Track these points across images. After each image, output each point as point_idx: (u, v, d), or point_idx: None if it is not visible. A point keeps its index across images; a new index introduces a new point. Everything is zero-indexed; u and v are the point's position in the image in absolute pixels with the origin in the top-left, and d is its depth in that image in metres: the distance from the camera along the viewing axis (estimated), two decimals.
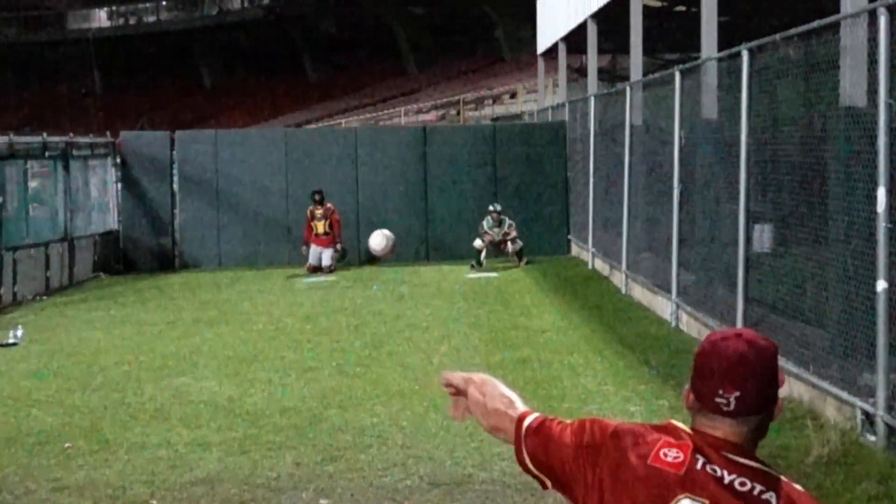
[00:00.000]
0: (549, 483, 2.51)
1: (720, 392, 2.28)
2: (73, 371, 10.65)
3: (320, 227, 18.95)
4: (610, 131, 16.82)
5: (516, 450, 2.54)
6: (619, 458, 2.36)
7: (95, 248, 19.61)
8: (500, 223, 18.73)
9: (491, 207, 18.82)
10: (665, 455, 2.32)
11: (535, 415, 2.57)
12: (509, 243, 18.77)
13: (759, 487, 2.26)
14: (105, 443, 7.87)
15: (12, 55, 69.42)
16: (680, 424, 2.38)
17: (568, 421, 2.53)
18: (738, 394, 2.27)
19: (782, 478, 2.30)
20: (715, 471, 2.27)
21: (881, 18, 6.86)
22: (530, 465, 2.51)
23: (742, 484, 2.26)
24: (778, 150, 9.33)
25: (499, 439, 2.64)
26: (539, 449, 2.50)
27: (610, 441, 2.40)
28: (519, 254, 18.88)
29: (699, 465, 2.28)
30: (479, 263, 18.58)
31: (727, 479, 2.26)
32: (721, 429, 2.31)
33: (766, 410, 2.32)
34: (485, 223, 18.75)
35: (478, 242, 18.68)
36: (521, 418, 2.56)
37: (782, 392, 2.38)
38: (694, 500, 2.26)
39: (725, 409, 2.29)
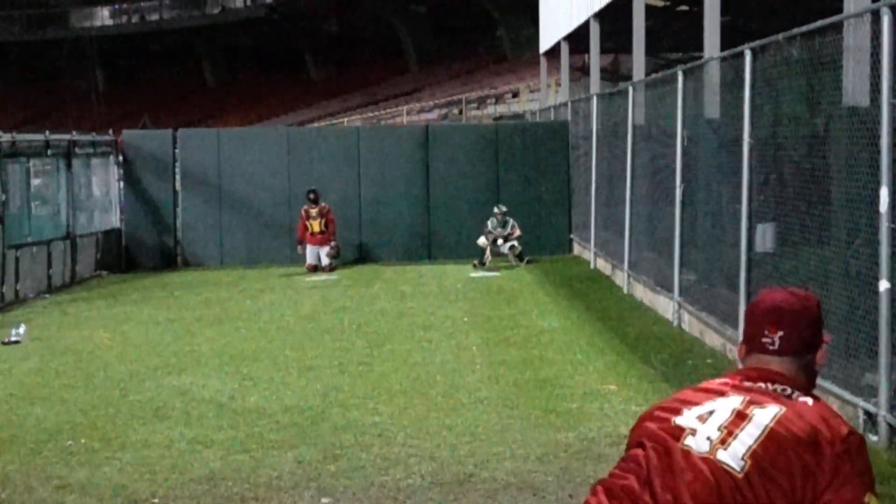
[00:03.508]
0: None
1: (766, 332, 2.58)
2: (75, 369, 10.65)
3: (316, 225, 18.97)
4: (612, 131, 16.81)
5: None
6: (660, 403, 2.66)
7: (98, 247, 19.63)
8: (504, 224, 18.74)
9: (496, 209, 18.84)
10: (712, 381, 2.65)
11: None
12: (507, 247, 18.73)
13: (797, 394, 2.54)
14: (107, 441, 7.88)
15: (15, 53, 69.51)
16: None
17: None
18: (781, 333, 2.56)
19: (818, 400, 2.57)
20: (760, 385, 2.56)
21: (884, 18, 6.85)
22: None
23: (783, 390, 2.54)
24: (780, 150, 9.33)
25: None
26: None
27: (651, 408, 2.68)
28: (519, 256, 18.84)
29: (746, 385, 2.57)
30: (482, 263, 18.58)
31: (771, 387, 2.55)
32: (767, 365, 2.59)
33: (810, 354, 2.59)
34: (489, 223, 18.77)
35: (482, 240, 18.71)
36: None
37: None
38: (739, 394, 2.54)
39: (771, 347, 2.57)
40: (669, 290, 12.59)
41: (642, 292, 14.38)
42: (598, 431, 7.76)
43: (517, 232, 18.80)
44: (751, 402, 2.51)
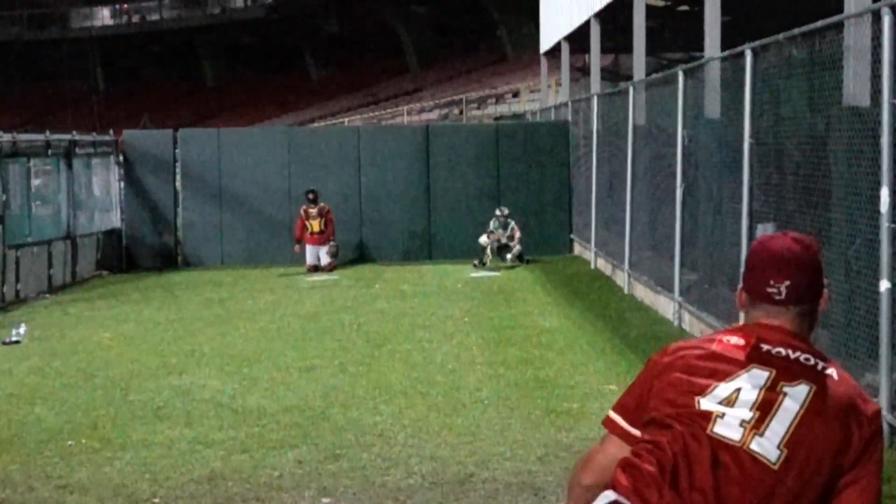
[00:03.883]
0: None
1: (771, 282, 2.51)
2: (76, 369, 10.65)
3: (315, 225, 18.98)
4: (613, 131, 16.81)
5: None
6: (680, 358, 2.54)
7: (98, 247, 19.63)
8: (505, 226, 18.76)
9: (497, 211, 18.85)
10: (728, 340, 2.54)
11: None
12: (508, 249, 18.71)
13: (821, 363, 2.48)
14: (107, 441, 7.88)
15: (16, 53, 69.51)
16: (741, 324, 2.61)
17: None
18: (788, 282, 2.50)
19: (833, 360, 2.53)
20: (780, 352, 2.48)
21: (885, 18, 6.85)
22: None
23: (807, 359, 2.47)
24: (781, 150, 9.32)
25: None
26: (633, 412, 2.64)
27: (669, 357, 2.57)
28: (519, 257, 18.84)
29: (764, 349, 2.48)
30: (483, 263, 18.59)
31: (793, 355, 2.47)
32: (776, 318, 2.53)
33: (815, 301, 2.55)
34: (492, 224, 18.81)
35: (483, 239, 18.73)
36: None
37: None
38: (762, 369, 2.45)
39: (777, 297, 2.51)
40: (670, 289, 12.59)
41: (643, 292, 14.38)
42: (599, 432, 7.71)
43: (518, 234, 18.79)
44: (778, 379, 2.43)
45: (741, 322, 2.66)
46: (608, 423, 2.70)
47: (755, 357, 2.48)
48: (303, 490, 6.67)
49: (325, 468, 7.08)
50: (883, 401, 6.88)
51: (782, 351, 2.48)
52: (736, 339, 2.53)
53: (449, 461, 7.14)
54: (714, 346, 2.53)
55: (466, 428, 7.95)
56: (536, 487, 6.57)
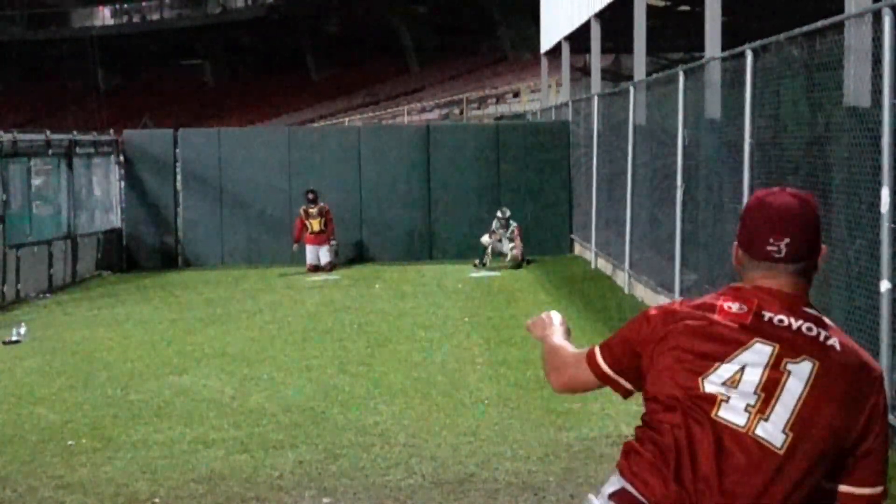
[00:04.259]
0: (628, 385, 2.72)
1: (771, 240, 2.44)
2: (76, 369, 10.65)
3: (315, 225, 18.98)
4: (613, 131, 16.81)
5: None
6: (682, 331, 2.49)
7: (99, 246, 19.63)
8: (506, 227, 18.76)
9: (499, 213, 18.84)
10: (729, 308, 2.46)
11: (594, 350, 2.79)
12: (510, 251, 18.65)
13: (823, 333, 2.42)
14: (107, 440, 7.88)
15: (16, 53, 69.50)
16: (738, 284, 2.52)
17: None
18: (787, 240, 2.43)
19: (833, 325, 2.48)
20: (782, 321, 2.41)
21: (886, 18, 6.84)
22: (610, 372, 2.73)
23: (809, 329, 2.41)
24: (781, 150, 9.32)
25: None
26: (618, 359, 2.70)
27: (671, 325, 2.53)
28: (517, 263, 18.75)
29: (766, 318, 2.42)
30: (483, 263, 18.59)
31: (794, 325, 2.41)
32: (775, 278, 2.46)
33: (814, 258, 2.47)
34: (494, 224, 18.81)
35: (485, 238, 18.73)
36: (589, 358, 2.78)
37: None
38: (765, 343, 2.39)
39: (777, 255, 2.44)
40: (671, 290, 12.59)
41: (643, 292, 14.37)
42: (599, 431, 7.76)
43: (518, 236, 18.74)
44: (781, 356, 2.39)
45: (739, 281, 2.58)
46: (591, 362, 2.75)
47: (758, 328, 2.42)
48: (303, 490, 6.67)
49: (325, 468, 7.08)
50: None
51: (784, 320, 2.43)
52: (737, 307, 2.46)
53: (449, 461, 7.14)
54: (715, 315, 2.47)
55: (467, 428, 7.95)
56: (537, 487, 6.57)
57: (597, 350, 2.73)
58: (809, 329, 2.42)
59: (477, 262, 18.70)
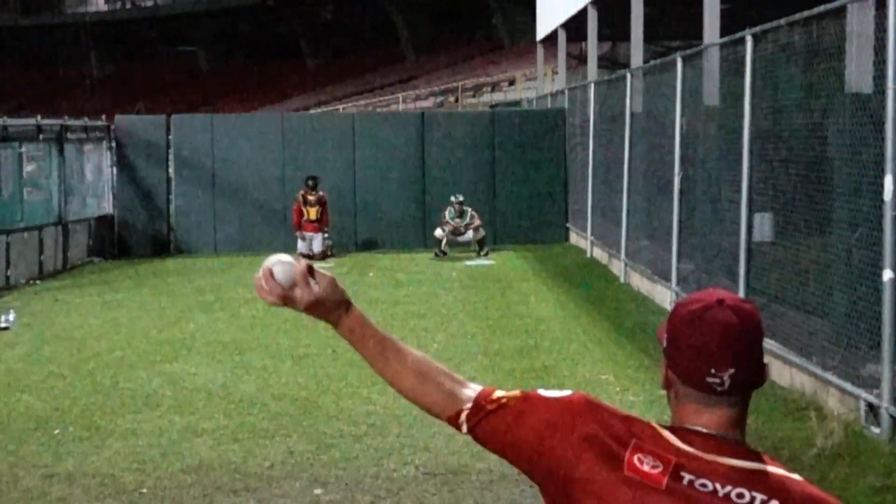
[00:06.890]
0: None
1: (712, 371, 1.95)
2: (65, 356, 10.52)
3: (313, 213, 18.86)
4: (610, 119, 16.69)
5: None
6: (590, 463, 2.05)
7: (90, 233, 19.48)
8: (461, 214, 18.71)
9: (453, 198, 18.82)
10: (640, 462, 1.97)
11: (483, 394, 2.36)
12: (471, 231, 18.69)
13: (759, 497, 1.92)
14: (96, 429, 7.75)
15: (9, 39, 69.20)
16: (655, 425, 2.05)
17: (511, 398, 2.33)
18: (732, 371, 1.95)
19: (789, 475, 1.96)
20: (705, 485, 1.92)
21: (889, 3, 6.72)
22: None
23: (740, 496, 1.92)
24: (781, 138, 9.20)
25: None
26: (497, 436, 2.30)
27: (578, 443, 2.15)
28: (480, 242, 18.77)
29: (685, 482, 1.93)
30: (443, 252, 18.53)
31: (721, 491, 1.92)
32: (712, 413, 1.99)
33: (759, 383, 2.01)
34: (447, 213, 18.73)
35: (438, 232, 18.68)
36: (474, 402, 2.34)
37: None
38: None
39: (719, 388, 1.97)
40: (667, 279, 12.48)
41: (639, 281, 14.27)
42: None
43: (477, 221, 18.74)
44: None
45: (669, 407, 2.09)
46: (487, 402, 2.40)
47: (674, 494, 1.92)
48: (294, 480, 6.55)
49: (316, 458, 6.97)
50: (885, 392, 6.78)
51: (708, 484, 1.92)
52: (651, 462, 1.96)
53: (443, 452, 7.03)
54: (626, 468, 1.97)
55: None
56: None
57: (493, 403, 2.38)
58: (741, 495, 1.91)
59: (437, 252, 18.59)
